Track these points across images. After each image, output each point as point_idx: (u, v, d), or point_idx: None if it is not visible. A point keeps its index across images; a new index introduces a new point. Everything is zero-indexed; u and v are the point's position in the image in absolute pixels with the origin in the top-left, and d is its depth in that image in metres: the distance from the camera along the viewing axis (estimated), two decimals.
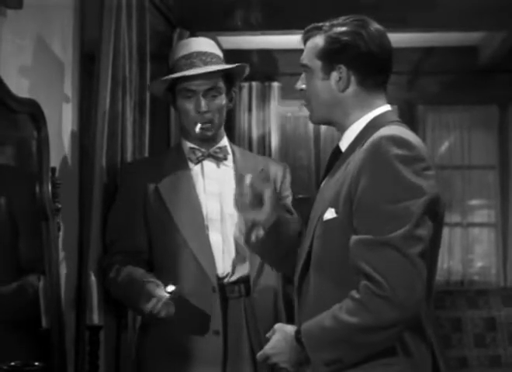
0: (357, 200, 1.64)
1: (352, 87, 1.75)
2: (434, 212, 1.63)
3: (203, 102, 2.33)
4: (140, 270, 2.32)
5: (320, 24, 1.80)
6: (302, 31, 1.84)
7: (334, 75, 1.75)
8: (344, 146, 1.80)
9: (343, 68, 1.74)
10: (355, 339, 1.61)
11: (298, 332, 1.70)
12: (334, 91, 1.76)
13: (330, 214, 1.71)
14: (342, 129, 1.81)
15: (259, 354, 1.81)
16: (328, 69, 1.76)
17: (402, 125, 1.75)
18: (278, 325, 1.81)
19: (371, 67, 1.75)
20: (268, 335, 1.82)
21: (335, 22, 1.78)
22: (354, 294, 1.60)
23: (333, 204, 1.70)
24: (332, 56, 1.75)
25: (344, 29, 1.75)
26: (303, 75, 1.83)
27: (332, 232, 1.70)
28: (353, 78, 1.75)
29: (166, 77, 2.40)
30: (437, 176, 1.66)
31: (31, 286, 2.08)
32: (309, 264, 1.77)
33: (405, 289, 1.56)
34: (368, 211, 1.62)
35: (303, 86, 1.82)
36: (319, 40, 1.77)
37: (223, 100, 2.38)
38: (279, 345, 1.75)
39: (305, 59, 1.80)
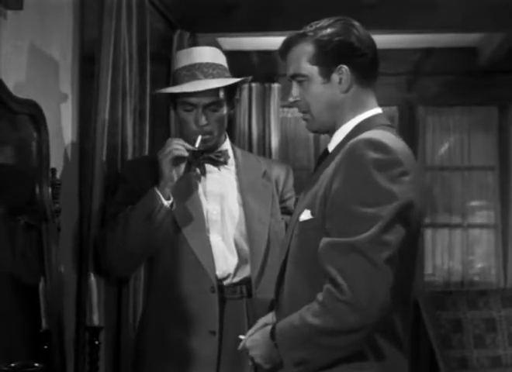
0: (330, 201, 1.64)
1: (353, 86, 1.74)
2: (406, 218, 1.60)
3: (203, 117, 2.32)
4: None
5: (301, 31, 1.77)
6: None
7: (334, 77, 1.74)
8: (331, 147, 1.79)
9: (343, 68, 1.73)
10: (319, 341, 1.60)
11: (273, 329, 1.72)
12: (336, 93, 1.74)
13: (305, 215, 1.72)
14: (332, 131, 1.80)
15: (240, 345, 1.86)
16: (327, 72, 1.74)
17: (388, 129, 1.73)
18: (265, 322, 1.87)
19: (365, 63, 1.75)
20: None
21: (317, 25, 1.76)
22: (319, 296, 1.60)
23: (310, 206, 1.71)
24: (329, 58, 1.73)
25: (332, 29, 1.73)
26: (295, 86, 1.80)
27: (307, 233, 1.71)
28: (353, 77, 1.74)
29: (163, 91, 2.42)
30: (415, 181, 1.63)
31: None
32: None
33: (367, 294, 1.54)
34: (338, 212, 1.61)
35: (298, 98, 1.80)
36: (307, 47, 1.75)
37: (223, 112, 2.36)
38: (257, 339, 1.79)
39: (296, 69, 1.78)
